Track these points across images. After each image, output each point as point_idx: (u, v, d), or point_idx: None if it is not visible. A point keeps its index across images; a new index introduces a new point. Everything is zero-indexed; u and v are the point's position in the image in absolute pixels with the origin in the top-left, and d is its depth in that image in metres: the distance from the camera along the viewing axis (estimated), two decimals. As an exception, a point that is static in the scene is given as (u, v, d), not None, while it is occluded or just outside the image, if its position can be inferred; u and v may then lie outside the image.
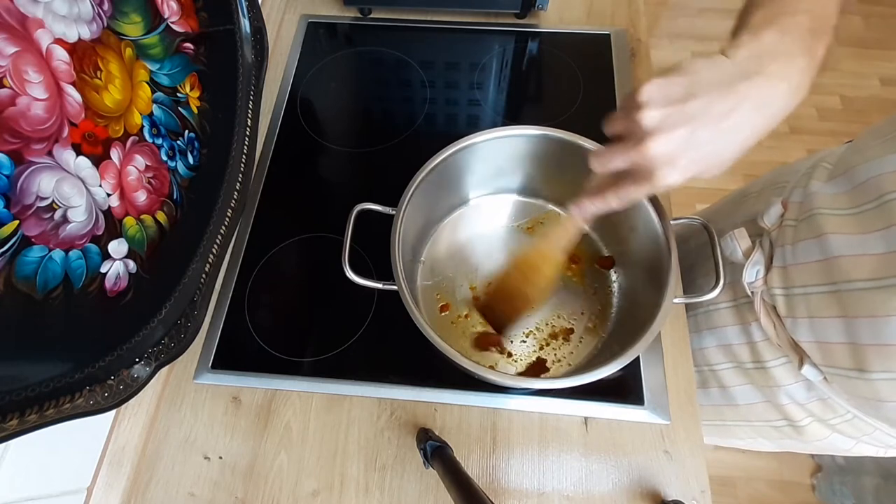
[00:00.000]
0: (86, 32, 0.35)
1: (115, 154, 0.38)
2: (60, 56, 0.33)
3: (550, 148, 0.52)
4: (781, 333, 0.46)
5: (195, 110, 0.49)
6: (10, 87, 0.29)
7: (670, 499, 0.46)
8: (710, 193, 1.47)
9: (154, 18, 0.43)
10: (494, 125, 0.63)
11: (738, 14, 0.36)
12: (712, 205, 0.71)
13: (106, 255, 0.37)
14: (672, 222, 0.46)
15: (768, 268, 0.47)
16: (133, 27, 0.41)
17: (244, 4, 0.53)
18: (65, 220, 0.33)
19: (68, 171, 0.33)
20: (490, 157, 0.53)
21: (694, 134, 0.31)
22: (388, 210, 0.48)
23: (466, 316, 0.53)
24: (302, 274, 0.58)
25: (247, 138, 0.54)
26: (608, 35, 0.73)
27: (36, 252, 0.31)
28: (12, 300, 0.29)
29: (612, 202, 0.37)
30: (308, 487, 0.48)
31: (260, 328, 0.54)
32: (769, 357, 0.49)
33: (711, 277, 0.45)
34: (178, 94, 0.47)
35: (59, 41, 0.33)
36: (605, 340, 0.51)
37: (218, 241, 0.50)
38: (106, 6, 0.37)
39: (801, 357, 0.45)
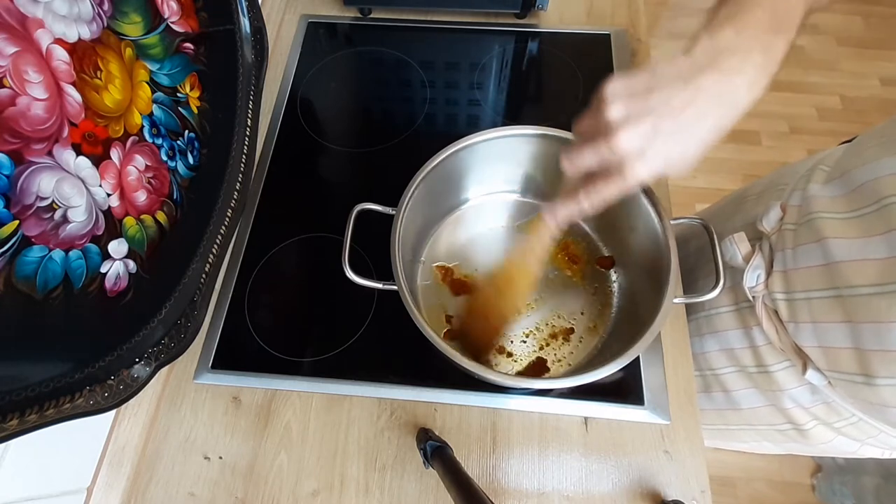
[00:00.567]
0: (86, 32, 0.35)
1: (115, 154, 0.38)
2: (60, 56, 0.33)
3: (550, 148, 0.52)
4: (784, 338, 0.46)
5: (195, 110, 0.49)
6: (10, 87, 0.29)
7: (670, 499, 0.46)
8: (710, 193, 1.47)
9: (154, 18, 0.43)
10: (494, 125, 0.62)
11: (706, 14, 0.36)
12: (711, 206, 0.71)
13: (106, 255, 0.37)
14: (672, 222, 0.46)
15: (769, 272, 0.47)
16: (133, 27, 0.41)
17: (244, 4, 0.53)
18: (65, 220, 0.33)
19: (68, 171, 0.33)
20: (490, 157, 0.53)
21: (657, 125, 0.32)
22: (388, 210, 0.48)
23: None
24: (302, 274, 0.58)
25: (247, 138, 0.54)
26: (608, 35, 0.73)
27: (36, 252, 0.31)
28: (12, 300, 0.29)
29: (583, 203, 0.37)
30: (308, 487, 0.48)
31: (260, 328, 0.54)
32: (772, 361, 0.49)
33: (712, 279, 0.44)
34: (178, 94, 0.47)
35: (59, 41, 0.33)
36: (605, 340, 0.51)
37: (218, 241, 0.50)
38: (106, 6, 0.37)
39: (805, 361, 0.44)
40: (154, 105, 0.43)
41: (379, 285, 0.45)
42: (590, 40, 0.73)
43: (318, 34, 0.75)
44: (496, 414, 0.50)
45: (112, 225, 0.38)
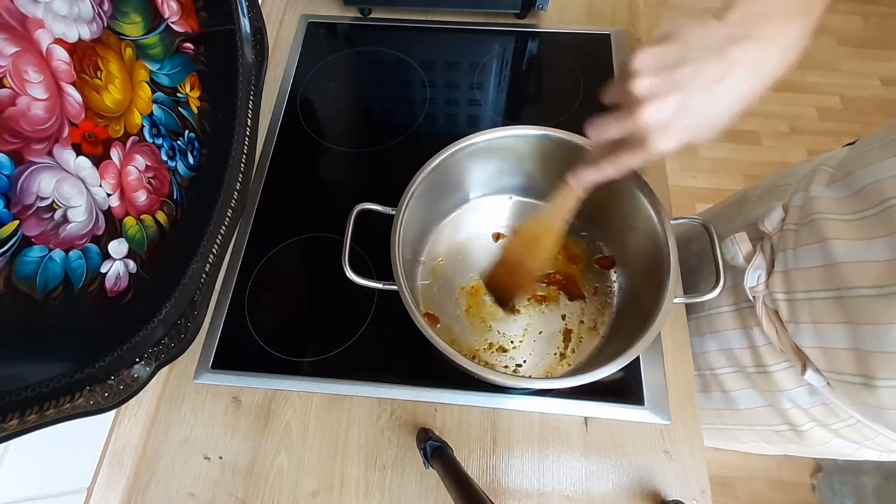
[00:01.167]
0: (86, 32, 0.35)
1: (115, 154, 0.38)
2: (60, 56, 0.33)
3: (550, 148, 0.52)
4: (784, 338, 0.46)
5: (195, 110, 0.49)
6: (11, 87, 0.29)
7: (670, 499, 0.46)
8: (710, 194, 1.48)
9: (154, 18, 0.43)
10: (494, 125, 0.62)
11: None
12: (713, 206, 0.71)
13: (106, 255, 0.37)
14: (672, 222, 0.46)
15: (770, 272, 0.47)
16: (133, 27, 0.41)
17: (244, 4, 0.53)
18: (65, 220, 0.33)
19: (68, 171, 0.33)
20: (490, 157, 0.53)
21: (685, 100, 0.31)
22: (388, 210, 0.48)
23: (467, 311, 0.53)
24: (302, 274, 0.58)
25: (247, 138, 0.54)
26: (608, 35, 0.73)
27: (36, 252, 0.31)
28: (12, 300, 0.29)
29: (608, 170, 0.38)
30: (308, 487, 0.48)
31: (260, 328, 0.54)
32: (771, 361, 0.49)
33: (713, 280, 0.44)
34: (178, 94, 0.47)
35: (59, 41, 0.33)
36: (605, 340, 0.51)
37: (218, 241, 0.50)
38: (106, 6, 0.37)
39: (804, 362, 0.44)
40: (154, 105, 0.43)
41: (379, 285, 0.45)
42: (590, 40, 0.73)
43: (318, 34, 0.75)
44: (496, 414, 0.50)
45: (112, 225, 0.38)
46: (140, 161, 0.41)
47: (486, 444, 0.49)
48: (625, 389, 0.50)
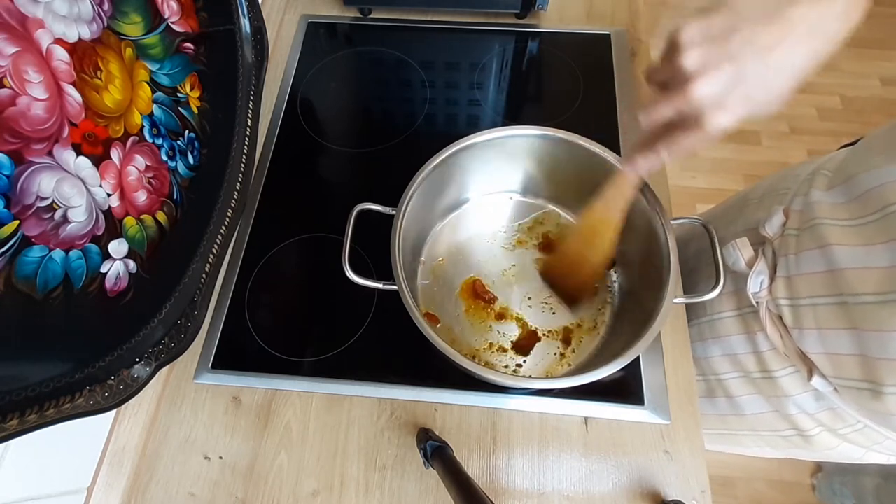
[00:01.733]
0: (86, 32, 0.35)
1: (115, 154, 0.38)
2: (60, 56, 0.33)
3: (550, 148, 0.52)
4: (789, 344, 0.45)
5: (195, 110, 0.49)
6: (11, 87, 0.29)
7: (670, 499, 0.46)
8: (710, 193, 1.47)
9: (154, 18, 0.43)
10: (494, 125, 0.62)
11: None
12: (713, 207, 0.71)
13: (106, 255, 0.37)
14: (672, 222, 0.46)
15: (772, 277, 0.46)
16: (133, 27, 0.41)
17: (244, 4, 0.53)
18: (65, 220, 0.33)
19: (68, 171, 0.33)
20: (490, 157, 0.53)
21: (740, 71, 0.29)
22: (388, 210, 0.48)
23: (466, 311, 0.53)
24: (302, 274, 0.58)
25: (247, 138, 0.54)
26: (608, 35, 0.73)
27: (36, 252, 0.31)
28: (12, 300, 0.29)
29: (664, 154, 0.36)
30: (308, 487, 0.48)
31: (260, 328, 0.54)
32: (776, 367, 0.48)
33: (713, 281, 0.44)
34: (179, 94, 0.47)
35: (59, 41, 0.33)
36: (605, 340, 0.51)
37: (218, 241, 0.50)
38: (106, 6, 0.37)
39: (810, 368, 0.43)
40: (154, 105, 0.43)
41: (379, 285, 0.45)
42: (590, 40, 0.73)
43: (318, 34, 0.75)
44: (496, 414, 0.50)
45: (112, 225, 0.38)
46: (140, 161, 0.41)
47: (486, 444, 0.49)
48: (625, 389, 0.50)
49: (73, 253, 0.34)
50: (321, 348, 0.53)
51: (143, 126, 0.42)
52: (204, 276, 0.49)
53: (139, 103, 0.41)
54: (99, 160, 0.36)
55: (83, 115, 0.35)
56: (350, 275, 0.45)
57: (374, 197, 0.48)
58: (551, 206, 0.58)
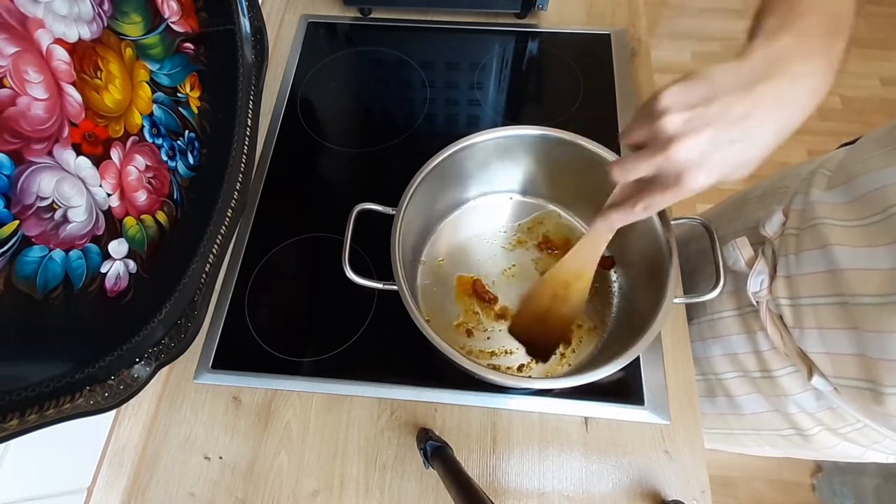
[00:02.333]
0: (86, 32, 0.35)
1: (115, 154, 0.38)
2: (60, 56, 0.33)
3: (550, 148, 0.52)
4: (789, 343, 0.45)
5: (195, 110, 0.49)
6: (11, 87, 0.29)
7: (670, 499, 0.46)
8: (710, 193, 1.46)
9: (154, 18, 0.43)
10: (494, 125, 0.62)
11: (753, 15, 0.35)
12: (713, 207, 0.71)
13: (106, 255, 0.37)
14: (672, 222, 0.46)
15: (772, 277, 0.46)
16: (133, 27, 0.41)
17: (244, 4, 0.53)
18: (65, 220, 0.33)
19: (68, 171, 0.33)
20: (490, 157, 0.53)
21: (718, 136, 0.31)
22: (388, 210, 0.48)
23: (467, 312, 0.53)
24: (302, 274, 0.58)
25: (247, 138, 0.54)
26: (608, 35, 0.73)
27: (36, 252, 0.31)
28: (12, 300, 0.29)
29: (638, 212, 0.37)
30: (308, 487, 0.48)
31: (260, 328, 0.54)
32: (776, 366, 0.48)
33: (713, 281, 0.44)
34: (179, 94, 0.47)
35: (59, 41, 0.33)
36: (605, 340, 0.51)
37: (218, 241, 0.50)
38: (106, 6, 0.37)
39: (811, 367, 0.44)
40: (154, 105, 0.43)
41: (379, 285, 0.45)
42: (590, 40, 0.73)
43: (318, 34, 0.75)
44: (496, 414, 0.50)
45: (112, 225, 0.38)
46: (140, 161, 0.41)
47: (486, 444, 0.49)
48: (625, 389, 0.50)
49: (73, 253, 0.34)
50: (321, 348, 0.53)
51: (143, 126, 0.42)
52: (204, 276, 0.49)
53: (139, 103, 0.41)
54: (99, 160, 0.36)
55: (83, 115, 0.35)
56: (350, 275, 0.45)
57: (374, 197, 0.48)
58: (551, 206, 0.58)
